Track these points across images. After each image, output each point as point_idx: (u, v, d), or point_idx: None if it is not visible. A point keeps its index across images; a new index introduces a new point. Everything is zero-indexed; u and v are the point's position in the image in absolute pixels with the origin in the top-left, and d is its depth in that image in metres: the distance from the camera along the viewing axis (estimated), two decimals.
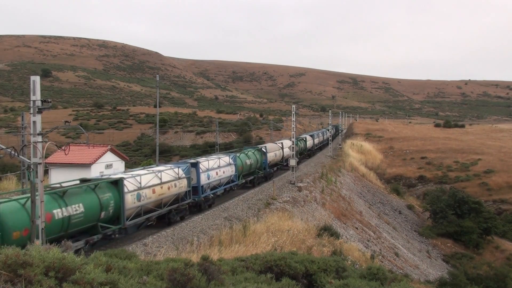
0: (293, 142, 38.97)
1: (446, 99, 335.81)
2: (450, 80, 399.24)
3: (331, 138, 75.63)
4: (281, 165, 44.17)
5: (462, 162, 68.23)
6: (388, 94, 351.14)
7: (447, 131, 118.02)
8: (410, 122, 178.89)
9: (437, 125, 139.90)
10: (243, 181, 33.53)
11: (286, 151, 44.09)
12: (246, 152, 35.46)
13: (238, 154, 33.09)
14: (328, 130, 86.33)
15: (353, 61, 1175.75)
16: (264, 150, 38.14)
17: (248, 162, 34.07)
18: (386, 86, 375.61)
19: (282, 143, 44.03)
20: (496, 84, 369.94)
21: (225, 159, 30.05)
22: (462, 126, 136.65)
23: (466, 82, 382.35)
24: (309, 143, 60.93)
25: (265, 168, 37.80)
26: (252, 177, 35.23)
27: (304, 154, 57.54)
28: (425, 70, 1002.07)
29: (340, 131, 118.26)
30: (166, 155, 64.19)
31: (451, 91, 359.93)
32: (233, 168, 30.66)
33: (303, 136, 60.64)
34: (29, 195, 17.44)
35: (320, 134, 77.35)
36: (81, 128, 24.83)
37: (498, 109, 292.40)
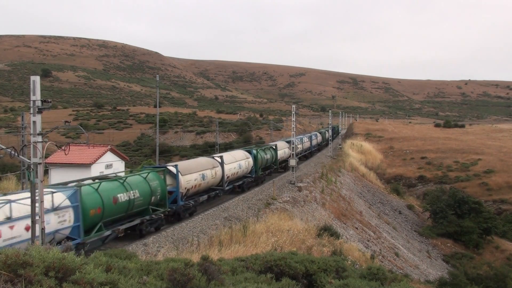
0: (293, 142, 38.98)
1: (446, 99, 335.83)
2: (450, 80, 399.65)
3: (330, 139, 73.15)
4: (220, 189, 28.62)
5: (462, 162, 68.24)
6: (388, 94, 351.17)
7: (447, 131, 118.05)
8: (410, 122, 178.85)
9: (437, 125, 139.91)
10: (107, 233, 17.90)
11: (231, 168, 30.08)
12: (123, 180, 19.51)
13: (96, 186, 17.82)
14: (321, 133, 75.32)
15: (353, 61, 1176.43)
16: (174, 171, 23.21)
17: (122, 197, 18.67)
18: (386, 86, 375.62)
19: (221, 157, 29.29)
20: (496, 84, 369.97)
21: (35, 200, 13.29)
22: (462, 126, 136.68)
23: (466, 82, 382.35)
24: (283, 153, 44.30)
25: (175, 202, 22.90)
26: (138, 221, 19.88)
27: (273, 168, 40.72)
28: (425, 70, 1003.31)
29: (339, 132, 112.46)
30: (166, 155, 64.20)
31: (451, 91, 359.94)
32: (71, 214, 15.99)
33: (273, 144, 43.95)
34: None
35: (306, 140, 58.74)
36: (81, 128, 24.91)
37: (498, 109, 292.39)
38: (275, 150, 40.69)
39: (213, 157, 29.26)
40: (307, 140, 59.92)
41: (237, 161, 31.59)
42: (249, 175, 34.12)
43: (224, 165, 28.87)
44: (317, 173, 45.52)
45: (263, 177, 37.28)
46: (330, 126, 79.02)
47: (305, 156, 58.58)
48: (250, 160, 34.03)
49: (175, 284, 7.38)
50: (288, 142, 45.77)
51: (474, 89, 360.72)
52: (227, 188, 29.75)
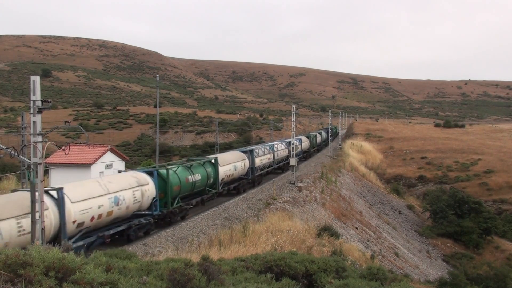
0: (293, 142, 38.97)
1: (446, 99, 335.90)
2: (450, 80, 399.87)
3: (331, 139, 71.49)
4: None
5: (462, 162, 68.26)
6: (388, 94, 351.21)
7: (447, 131, 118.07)
8: (410, 122, 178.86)
9: (437, 125, 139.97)
10: None
11: (89, 209, 16.66)
12: None
13: None
14: (309, 137, 60.30)
15: (353, 61, 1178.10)
16: None
17: None
18: (386, 86, 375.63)
19: (60, 190, 15.59)
20: (496, 84, 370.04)
21: None
22: (462, 126, 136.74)
23: (466, 82, 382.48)
24: (231, 169, 30.42)
25: None
26: None
27: (211, 194, 27.31)
28: (425, 70, 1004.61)
29: (337, 133, 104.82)
30: (166, 155, 64.22)
31: (451, 91, 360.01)
32: None
33: (213, 156, 29.41)
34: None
35: (281, 147, 43.03)
36: (81, 128, 24.86)
37: (498, 109, 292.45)
38: (214, 166, 27.54)
39: (48, 191, 15.38)
40: (283, 147, 44.03)
41: (110, 193, 17.82)
42: (148, 212, 20.55)
43: (70, 204, 15.69)
44: (317, 173, 45.50)
45: (185, 210, 23.78)
46: (330, 126, 77.63)
47: (279, 168, 43.67)
48: (149, 188, 20.51)
49: (175, 284, 7.38)
50: (246, 152, 34.08)
51: (474, 89, 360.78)
52: (81, 243, 16.17)
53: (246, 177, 33.49)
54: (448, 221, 46.20)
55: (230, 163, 30.56)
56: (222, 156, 30.32)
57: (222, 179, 28.94)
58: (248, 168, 33.58)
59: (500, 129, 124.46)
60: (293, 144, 38.87)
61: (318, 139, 68.10)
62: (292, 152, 38.69)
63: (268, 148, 39.98)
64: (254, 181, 34.94)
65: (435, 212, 48.22)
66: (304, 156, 56.93)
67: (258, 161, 35.53)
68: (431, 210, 49.59)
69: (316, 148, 65.55)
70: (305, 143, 56.43)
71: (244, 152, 34.15)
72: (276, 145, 42.34)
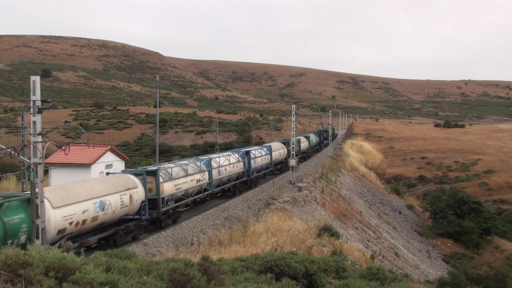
0: (293, 142, 38.98)
1: (446, 99, 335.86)
2: (450, 80, 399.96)
3: (330, 140, 71.90)
4: None
5: (462, 162, 68.27)
6: (388, 94, 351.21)
7: (447, 131, 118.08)
8: (410, 122, 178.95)
9: (437, 125, 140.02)
10: None
11: None
12: None
13: None
14: (291, 144, 38.38)
15: (353, 61, 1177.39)
16: None
17: None
18: (386, 86, 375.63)
19: None
20: (496, 84, 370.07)
21: None
22: (462, 126, 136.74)
23: (466, 82, 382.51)
24: (83, 212, 15.68)
25: None
26: None
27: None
28: (425, 70, 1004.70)
29: (335, 135, 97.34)
30: (166, 155, 64.17)
31: (451, 91, 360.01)
32: None
33: (22, 197, 14.47)
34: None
35: (224, 162, 29.14)
36: (81, 128, 24.83)
37: (498, 109, 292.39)
38: (25, 212, 13.79)
39: None
40: (234, 161, 31.03)
41: None
42: None
43: None
44: (317, 173, 45.49)
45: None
46: (330, 125, 77.04)
47: (228, 190, 30.94)
48: None
49: (175, 284, 7.38)
50: (140, 174, 20.60)
51: (474, 89, 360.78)
52: None
53: (138, 216, 19.65)
54: (448, 221, 46.20)
55: (88, 199, 16.42)
56: (66, 188, 16.32)
57: (61, 230, 15.08)
58: (142, 201, 19.85)
59: (500, 129, 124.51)
60: (293, 144, 38.80)
61: (304, 145, 52.46)
62: (292, 152, 38.69)
63: (199, 163, 26.29)
64: (160, 221, 21.47)
65: (435, 212, 48.22)
66: (279, 168, 42.05)
67: (169, 188, 22.05)
68: (431, 210, 49.58)
69: (300, 157, 50.75)
70: (278, 152, 40.59)
71: (137, 174, 20.52)
72: (217, 159, 28.49)
